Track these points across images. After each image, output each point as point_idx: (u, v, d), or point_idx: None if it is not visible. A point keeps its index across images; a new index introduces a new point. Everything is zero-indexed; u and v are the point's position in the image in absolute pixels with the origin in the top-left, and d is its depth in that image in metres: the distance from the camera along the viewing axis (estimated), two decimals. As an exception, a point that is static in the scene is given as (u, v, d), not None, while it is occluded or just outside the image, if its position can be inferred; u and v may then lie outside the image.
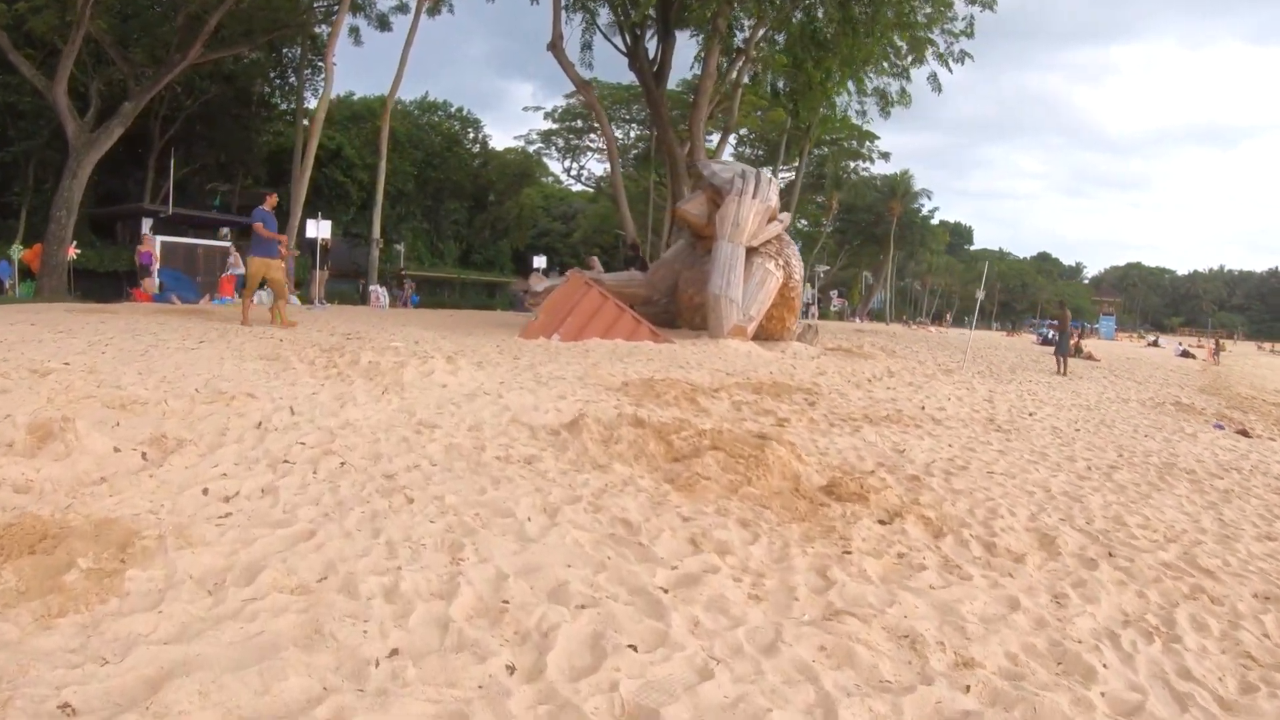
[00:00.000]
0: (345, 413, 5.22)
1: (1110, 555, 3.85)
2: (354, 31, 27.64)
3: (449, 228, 42.70)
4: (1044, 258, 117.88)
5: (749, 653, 2.43)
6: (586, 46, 24.61)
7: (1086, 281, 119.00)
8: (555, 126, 45.04)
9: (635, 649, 2.35)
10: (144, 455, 3.82)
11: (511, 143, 70.09)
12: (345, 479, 3.80)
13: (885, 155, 51.28)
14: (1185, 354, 33.81)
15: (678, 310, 14.69)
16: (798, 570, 3.19)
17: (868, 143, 47.17)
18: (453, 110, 44.38)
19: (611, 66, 79.90)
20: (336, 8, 23.73)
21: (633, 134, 43.62)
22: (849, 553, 3.44)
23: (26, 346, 6.90)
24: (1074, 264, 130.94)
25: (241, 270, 19.32)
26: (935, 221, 66.54)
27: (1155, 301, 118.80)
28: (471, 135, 44.69)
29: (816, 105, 23.30)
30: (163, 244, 20.22)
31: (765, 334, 13.96)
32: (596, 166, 48.09)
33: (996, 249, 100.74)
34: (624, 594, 2.77)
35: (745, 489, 4.14)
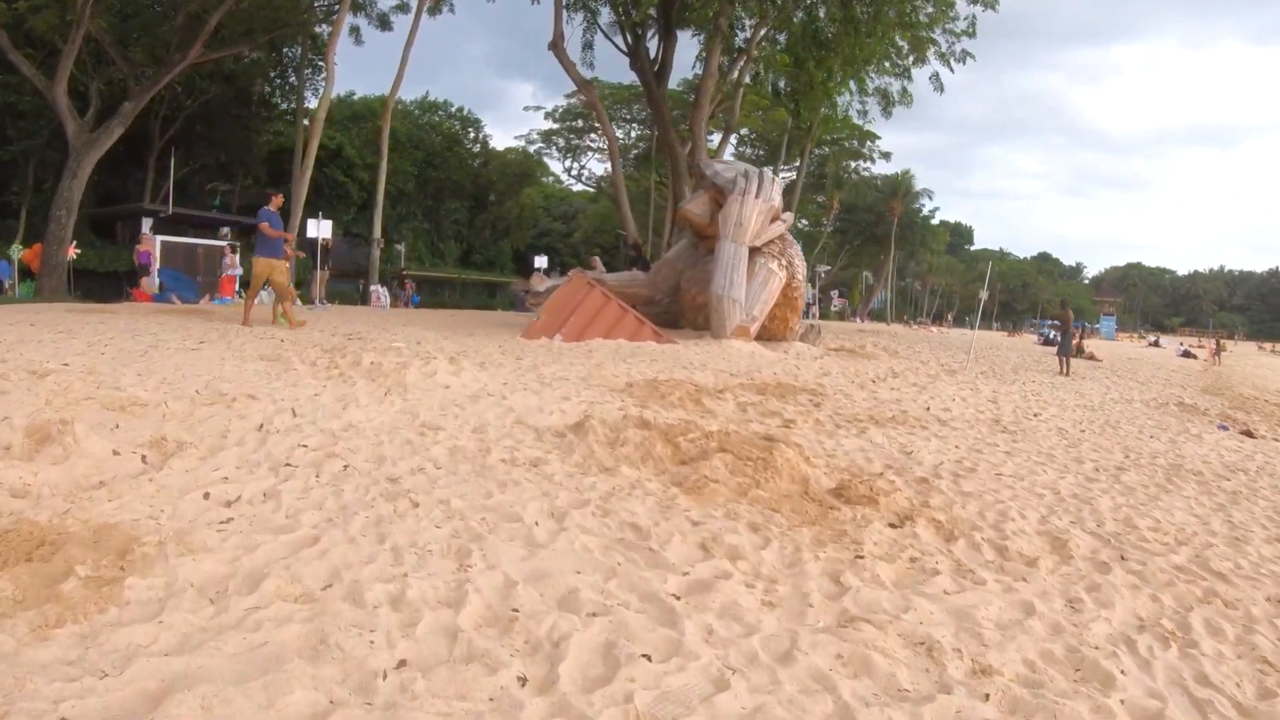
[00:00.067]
0: (348, 414, 5.16)
1: (1122, 559, 3.81)
2: (354, 31, 27.67)
3: (449, 228, 42.65)
4: (1044, 258, 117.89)
5: (765, 661, 2.38)
6: (588, 46, 24.58)
7: (1087, 281, 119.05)
8: (556, 126, 45.05)
9: (649, 659, 2.30)
10: (144, 458, 3.76)
11: (512, 142, 70.16)
12: (349, 483, 3.74)
13: (886, 155, 51.37)
14: (1186, 354, 33.80)
15: (680, 310, 14.63)
16: (810, 575, 3.13)
17: (869, 142, 47.15)
18: (453, 110, 44.39)
19: (612, 66, 79.95)
20: (337, 7, 23.68)
21: (633, 134, 43.59)
22: (861, 557, 3.39)
23: (25, 347, 6.84)
24: (1074, 264, 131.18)
25: (238, 271, 19.32)
26: (936, 221, 66.52)
27: (1155, 302, 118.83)
28: (472, 135, 44.67)
29: (818, 105, 23.23)
30: (163, 244, 20.14)
31: (768, 334, 13.91)
32: (597, 166, 48.13)
33: (997, 249, 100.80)
34: (635, 601, 2.71)
35: (754, 492, 4.09)
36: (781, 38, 21.80)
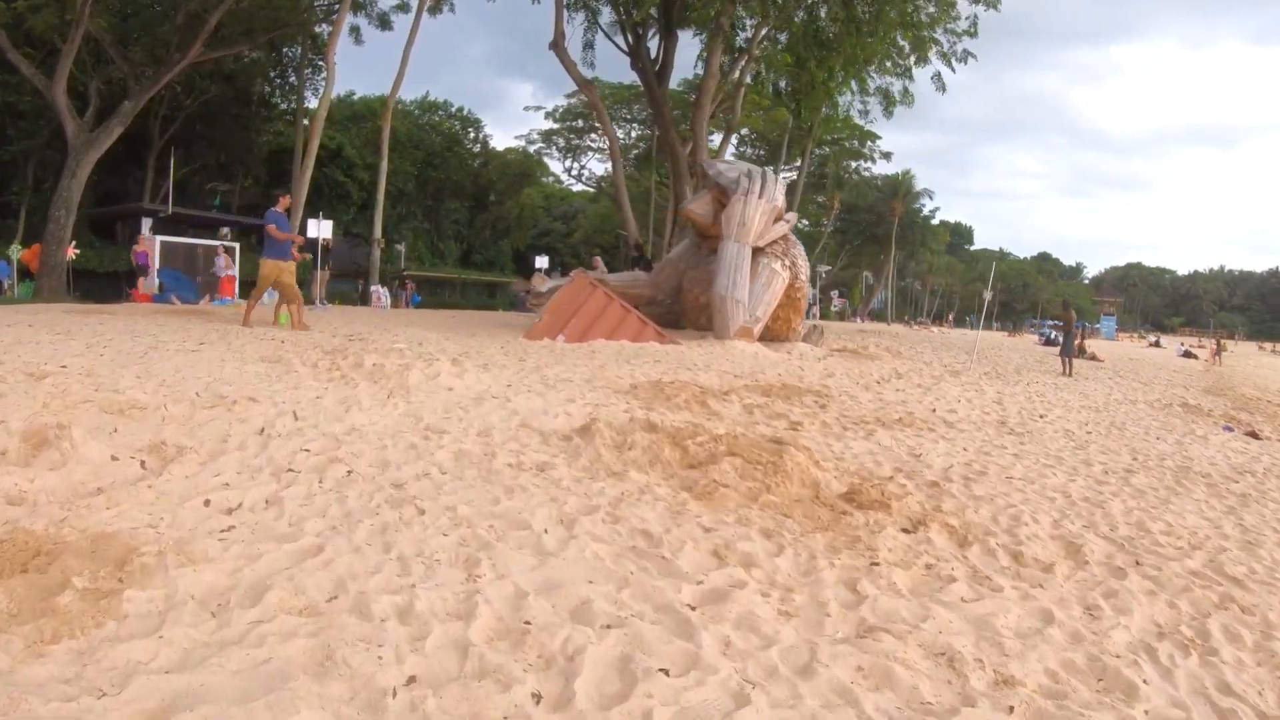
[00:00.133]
0: (350, 418, 5.08)
1: (1138, 564, 3.75)
2: (355, 31, 27.60)
3: (450, 228, 42.58)
4: (1044, 258, 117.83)
5: (785, 675, 2.31)
6: (588, 46, 24.55)
7: (1087, 281, 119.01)
8: (556, 126, 44.96)
9: (667, 673, 2.22)
10: (143, 464, 3.69)
11: (512, 142, 70.09)
12: (352, 489, 3.66)
13: (887, 155, 51.23)
14: (1187, 354, 33.76)
15: (682, 310, 14.55)
16: (826, 584, 3.06)
17: (869, 142, 47.07)
18: (453, 110, 44.33)
19: (613, 66, 79.84)
20: (337, 7, 23.60)
21: (634, 133, 43.51)
22: (876, 564, 3.32)
23: (23, 348, 6.77)
24: (1074, 264, 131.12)
25: (233, 272, 19.24)
26: (936, 221, 66.46)
27: (1156, 302, 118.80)
28: (472, 135, 44.62)
29: (819, 105, 23.17)
30: (162, 244, 20.05)
31: (771, 335, 13.83)
32: (597, 166, 48.04)
33: (997, 249, 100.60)
34: (650, 612, 2.64)
35: (765, 497, 4.02)
36: (783, 37, 21.75)
